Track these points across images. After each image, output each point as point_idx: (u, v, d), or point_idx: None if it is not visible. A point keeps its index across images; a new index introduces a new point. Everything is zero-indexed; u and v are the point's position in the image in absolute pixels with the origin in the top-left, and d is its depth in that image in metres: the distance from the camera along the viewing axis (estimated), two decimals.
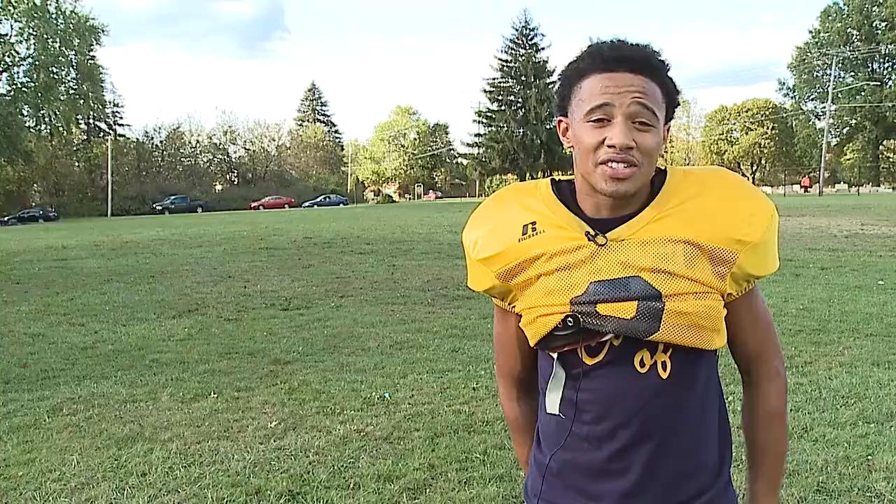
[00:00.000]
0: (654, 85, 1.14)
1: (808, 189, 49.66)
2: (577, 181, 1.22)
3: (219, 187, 68.04)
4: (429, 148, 79.24)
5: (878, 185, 61.08)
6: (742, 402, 1.31)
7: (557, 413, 1.24)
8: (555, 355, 1.22)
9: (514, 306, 1.26)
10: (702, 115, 74.02)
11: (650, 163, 1.14)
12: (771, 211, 1.18)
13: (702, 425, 1.21)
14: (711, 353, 1.21)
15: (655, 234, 1.14)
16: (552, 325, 1.18)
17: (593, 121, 1.14)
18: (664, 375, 1.16)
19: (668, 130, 1.21)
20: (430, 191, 76.68)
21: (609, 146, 1.12)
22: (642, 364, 1.16)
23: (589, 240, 1.16)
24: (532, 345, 1.24)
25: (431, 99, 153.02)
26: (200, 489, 3.42)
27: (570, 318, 1.16)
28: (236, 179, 69.44)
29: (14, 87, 48.58)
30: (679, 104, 1.23)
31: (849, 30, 59.84)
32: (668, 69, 1.18)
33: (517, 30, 57.36)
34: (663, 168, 1.23)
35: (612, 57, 1.14)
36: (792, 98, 66.88)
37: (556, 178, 1.28)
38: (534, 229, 1.20)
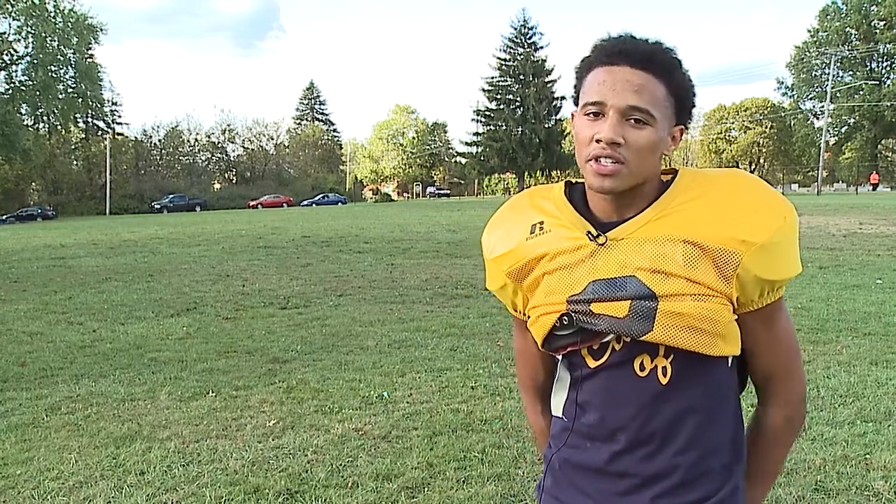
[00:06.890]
0: (655, 81, 1.11)
1: (877, 186, 48.91)
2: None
3: (217, 186, 67.98)
4: (427, 147, 79.22)
5: (877, 184, 61.12)
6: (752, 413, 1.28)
7: (561, 416, 1.26)
8: (560, 357, 1.23)
9: (525, 314, 1.27)
10: (700, 113, 74.07)
11: (641, 161, 1.11)
12: (784, 212, 1.12)
13: (707, 433, 1.17)
14: (721, 361, 1.16)
15: (654, 233, 1.12)
16: (551, 324, 1.19)
17: (589, 114, 1.13)
18: (664, 381, 1.15)
19: (681, 132, 1.17)
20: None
21: (597, 140, 1.10)
22: (642, 368, 1.15)
23: (590, 239, 1.16)
24: (540, 347, 1.24)
25: (430, 98, 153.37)
26: (199, 488, 3.42)
27: (565, 317, 1.17)
28: (235, 178, 69.41)
29: (12, 85, 48.50)
30: (694, 105, 1.18)
31: (847, 29, 59.87)
32: (679, 67, 1.14)
33: (516, 28, 57.42)
34: (676, 169, 1.21)
35: (614, 51, 1.12)
36: (790, 97, 66.97)
37: (572, 181, 1.28)
38: (541, 228, 1.21)
